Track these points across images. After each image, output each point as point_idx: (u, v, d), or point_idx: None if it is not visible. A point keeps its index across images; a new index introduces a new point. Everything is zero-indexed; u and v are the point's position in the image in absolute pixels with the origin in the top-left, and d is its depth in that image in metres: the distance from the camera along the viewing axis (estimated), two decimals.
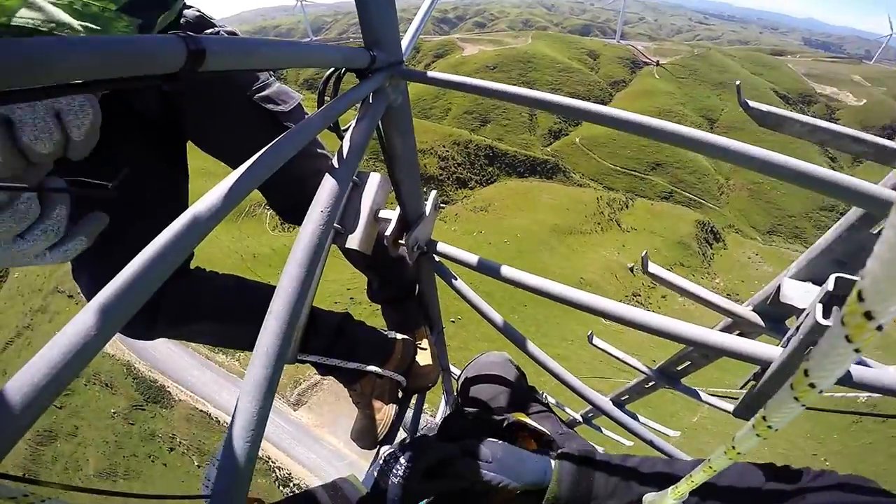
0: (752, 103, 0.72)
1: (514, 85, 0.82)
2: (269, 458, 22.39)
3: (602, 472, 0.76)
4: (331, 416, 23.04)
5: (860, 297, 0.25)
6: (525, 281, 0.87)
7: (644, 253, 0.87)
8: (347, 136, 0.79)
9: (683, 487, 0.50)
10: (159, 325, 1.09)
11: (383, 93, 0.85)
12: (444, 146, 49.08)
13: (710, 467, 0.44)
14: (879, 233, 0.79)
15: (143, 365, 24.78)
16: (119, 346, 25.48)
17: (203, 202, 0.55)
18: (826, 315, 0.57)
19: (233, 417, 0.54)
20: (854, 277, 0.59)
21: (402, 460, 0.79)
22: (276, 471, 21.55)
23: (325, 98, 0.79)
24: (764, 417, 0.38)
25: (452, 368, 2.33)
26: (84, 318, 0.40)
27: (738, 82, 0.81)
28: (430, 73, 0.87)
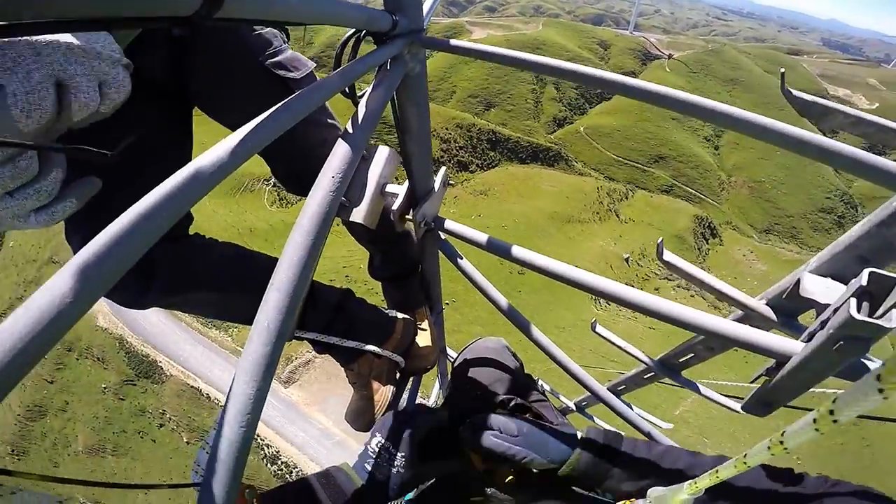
0: (795, 92, 0.69)
1: (522, 71, 0.78)
2: (258, 435, 22.66)
3: (620, 466, 0.75)
4: (321, 394, 23.28)
5: None
6: (535, 262, 0.84)
7: (660, 240, 0.84)
8: (363, 101, 0.75)
9: (703, 482, 0.48)
10: (153, 292, 1.05)
11: (401, 60, 0.80)
12: (446, 128, 48.57)
13: (745, 463, 0.42)
14: None
15: (135, 339, 24.63)
16: (112, 319, 25.36)
17: (207, 157, 0.51)
18: (859, 309, 0.55)
19: (227, 399, 0.49)
20: (889, 274, 0.56)
21: (394, 450, 0.78)
22: (265, 448, 21.85)
23: (343, 62, 0.76)
24: (781, 441, 0.39)
25: (448, 351, 2.32)
26: (59, 282, 0.33)
27: (782, 70, 0.77)
28: (454, 42, 0.83)
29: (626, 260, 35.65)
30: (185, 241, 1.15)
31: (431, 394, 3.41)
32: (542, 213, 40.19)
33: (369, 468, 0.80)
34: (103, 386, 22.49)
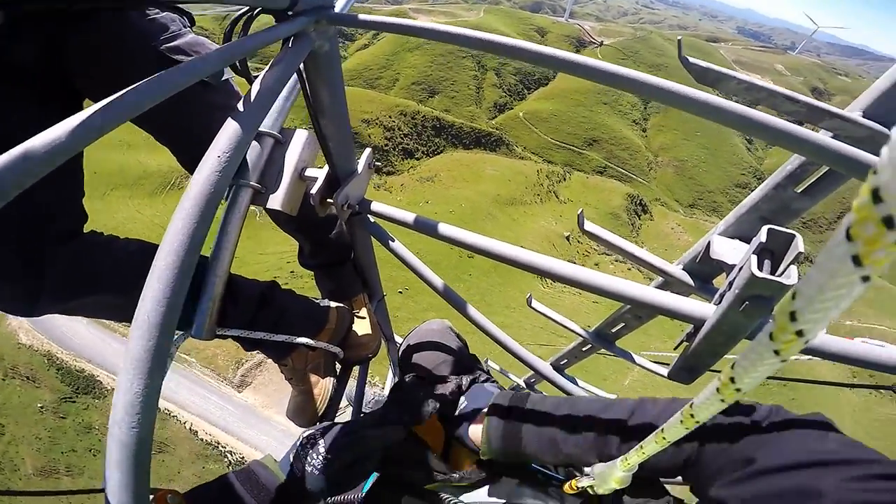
0: (692, 59, 0.70)
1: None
2: (219, 443, 21.97)
3: (531, 423, 0.75)
4: (277, 395, 22.71)
5: (793, 318, 0.25)
6: (462, 238, 0.82)
7: (580, 211, 0.84)
8: (258, 80, 0.70)
9: (634, 458, 0.48)
10: (44, 298, 0.94)
11: (306, 37, 0.75)
12: (390, 116, 47.82)
13: (664, 438, 0.42)
14: (804, 191, 0.82)
15: (66, 354, 23.25)
16: (35, 335, 23.64)
17: (41, 138, 0.42)
18: (760, 267, 0.57)
19: (114, 402, 0.47)
20: (785, 230, 0.59)
21: (321, 448, 0.73)
22: (229, 454, 21.32)
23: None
24: (692, 415, 0.37)
25: (397, 338, 2.27)
26: None
27: (679, 38, 0.79)
28: (363, 17, 0.78)
29: (567, 238, 37.52)
30: (79, 241, 1.02)
31: (386, 383, 3.36)
32: (486, 196, 41.08)
33: (291, 459, 0.76)
34: (39, 405, 21.03)
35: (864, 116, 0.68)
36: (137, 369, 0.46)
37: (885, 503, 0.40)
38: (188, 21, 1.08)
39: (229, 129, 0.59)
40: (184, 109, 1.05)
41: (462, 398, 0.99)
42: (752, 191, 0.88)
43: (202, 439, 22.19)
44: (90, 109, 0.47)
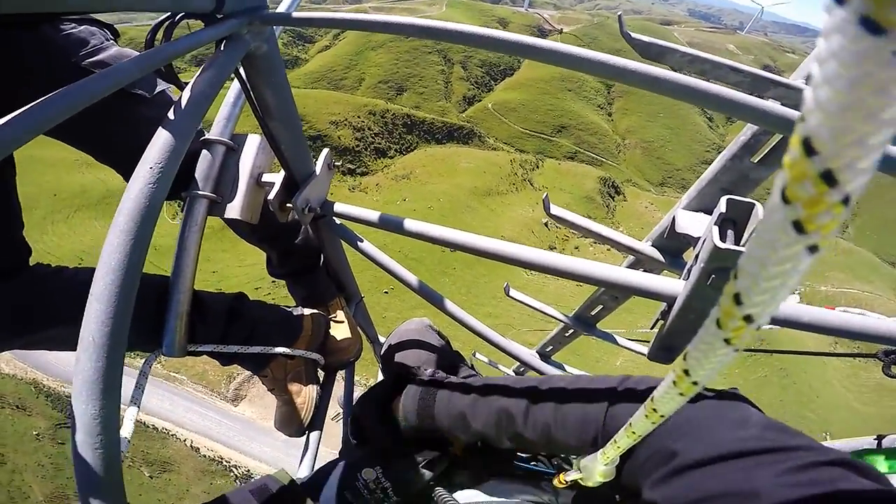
0: (634, 35, 0.70)
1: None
2: (222, 459, 21.68)
3: (444, 397, 0.74)
4: (274, 406, 22.36)
5: (738, 301, 0.21)
6: (428, 232, 0.80)
7: (545, 196, 0.83)
8: (188, 85, 0.68)
9: (611, 452, 0.46)
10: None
11: (240, 40, 0.72)
12: (358, 117, 47.30)
13: (634, 432, 0.40)
14: (760, 161, 0.83)
15: (52, 381, 23.10)
16: (17, 364, 23.43)
17: None
18: (722, 238, 0.57)
19: (72, 427, 0.46)
20: (745, 199, 0.59)
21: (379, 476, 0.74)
22: (234, 469, 21.27)
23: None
24: (654, 409, 0.35)
25: (382, 339, 2.24)
26: None
27: (620, 13, 0.78)
28: (297, 14, 0.76)
29: (546, 224, 38.04)
30: (24, 275, 0.97)
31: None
32: (463, 189, 41.21)
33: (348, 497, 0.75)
34: (35, 433, 20.83)
35: (806, 83, 0.69)
36: (90, 391, 0.45)
37: (823, 494, 0.37)
38: (111, 34, 1.03)
39: (160, 139, 0.56)
40: (118, 126, 1.00)
41: None
42: None
43: (205, 455, 21.99)
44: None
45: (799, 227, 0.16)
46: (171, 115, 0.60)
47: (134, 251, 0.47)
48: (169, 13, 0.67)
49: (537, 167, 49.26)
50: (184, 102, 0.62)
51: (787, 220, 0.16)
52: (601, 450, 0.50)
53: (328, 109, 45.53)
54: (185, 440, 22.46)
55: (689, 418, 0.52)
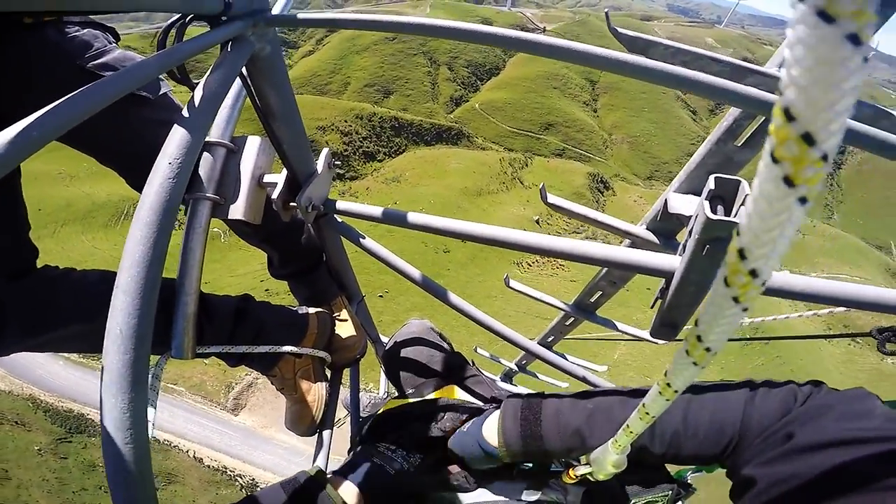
0: (620, 30, 0.74)
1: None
2: (226, 468, 21.65)
3: (549, 418, 0.69)
4: (274, 414, 22.55)
5: (742, 256, 0.23)
6: (431, 224, 0.82)
7: (542, 185, 0.86)
8: (200, 85, 0.69)
9: (623, 439, 0.47)
10: (9, 337, 0.91)
11: (245, 41, 0.74)
12: (345, 121, 47.16)
13: (647, 413, 0.41)
14: (743, 144, 0.87)
15: (49, 396, 22.84)
16: (12, 380, 23.23)
17: None
18: (713, 211, 0.60)
19: (102, 422, 0.46)
20: (731, 177, 0.63)
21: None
22: (238, 479, 21.08)
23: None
24: (668, 384, 0.35)
25: (384, 338, 2.25)
26: None
27: (607, 10, 0.82)
28: (302, 15, 0.78)
29: (537, 221, 38.26)
30: (33, 276, 0.98)
31: (380, 385, 3.32)
32: (454, 190, 41.29)
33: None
34: (37, 448, 20.51)
35: (780, 68, 0.73)
36: (119, 383, 0.46)
37: None
38: (112, 37, 1.04)
39: (177, 136, 0.58)
40: (124, 129, 1.01)
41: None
42: None
43: (209, 466, 21.76)
44: (9, 130, 0.44)
45: (789, 181, 0.20)
46: (185, 112, 0.62)
47: (158, 242, 0.49)
48: (179, 14, 0.70)
49: (526, 165, 49.51)
50: (196, 101, 0.64)
51: (778, 177, 0.20)
52: (612, 438, 0.50)
53: (314, 115, 45.34)
54: (187, 451, 22.23)
55: (812, 408, 0.52)
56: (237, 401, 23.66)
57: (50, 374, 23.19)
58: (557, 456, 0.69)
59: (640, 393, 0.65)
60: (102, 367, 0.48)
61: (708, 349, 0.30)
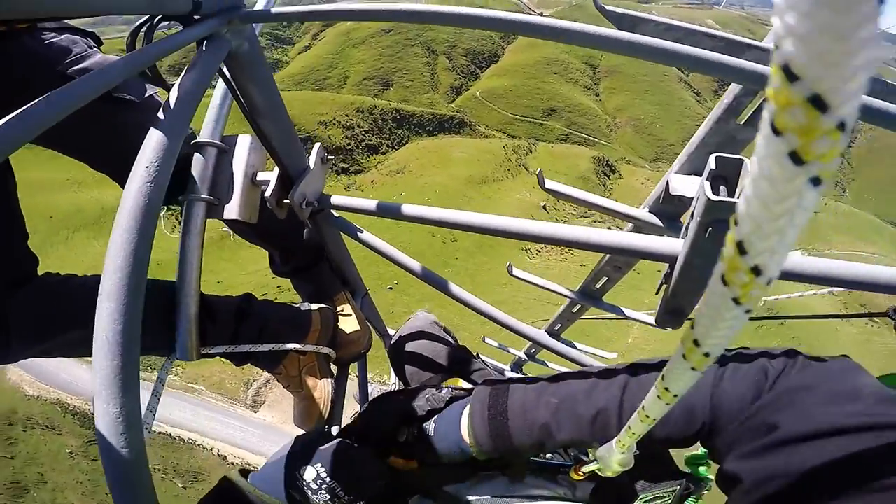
0: (608, 7, 0.71)
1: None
2: (250, 465, 22.17)
3: (516, 415, 0.65)
4: (292, 410, 22.64)
5: (742, 250, 0.19)
6: (427, 215, 0.81)
7: (539, 171, 0.84)
8: (175, 86, 0.69)
9: (626, 440, 0.45)
10: (14, 344, 0.92)
11: (220, 39, 0.73)
12: (346, 115, 47.02)
13: (647, 416, 0.38)
14: (746, 122, 0.84)
15: (76, 400, 23.70)
16: (41, 386, 24.07)
17: None
18: (715, 192, 0.58)
19: (97, 429, 0.47)
20: (733, 156, 0.60)
21: (322, 476, 0.65)
22: None
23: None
24: (666, 388, 0.32)
25: (391, 331, 2.26)
26: None
27: None
28: (276, 10, 0.77)
29: (544, 207, 38.01)
30: (34, 283, 0.99)
31: (390, 377, 3.34)
32: (458, 179, 41.12)
33: (282, 486, 0.70)
34: (68, 451, 21.47)
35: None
36: (109, 389, 0.46)
37: None
38: (93, 42, 1.02)
39: (153, 139, 0.57)
40: (112, 134, 1.00)
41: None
42: None
43: (233, 463, 22.36)
44: None
45: (796, 157, 0.15)
46: (160, 115, 0.61)
47: (139, 247, 0.48)
48: (147, 16, 0.68)
49: (530, 151, 49.08)
50: (172, 102, 0.63)
51: (782, 152, 0.15)
52: (616, 437, 0.48)
53: (315, 110, 45.24)
54: (211, 449, 22.82)
55: (791, 389, 0.47)
56: (256, 397, 24.14)
57: (74, 377, 23.84)
58: (528, 453, 0.67)
59: (609, 373, 0.62)
60: (92, 373, 0.49)
61: (707, 354, 0.26)
